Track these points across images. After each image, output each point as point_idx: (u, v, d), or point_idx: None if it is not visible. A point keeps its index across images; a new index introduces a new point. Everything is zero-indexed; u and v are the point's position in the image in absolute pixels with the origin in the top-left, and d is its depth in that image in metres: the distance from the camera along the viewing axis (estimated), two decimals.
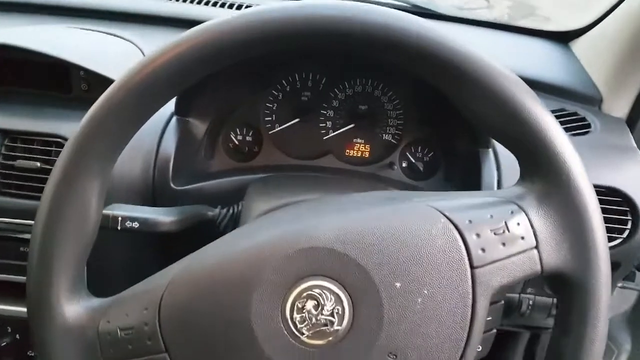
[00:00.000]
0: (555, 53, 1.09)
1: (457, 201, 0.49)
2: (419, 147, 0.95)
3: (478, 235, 0.45)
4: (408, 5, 1.24)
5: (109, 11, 1.04)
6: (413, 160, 0.94)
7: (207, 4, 1.11)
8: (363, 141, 0.96)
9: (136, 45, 0.97)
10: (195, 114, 0.85)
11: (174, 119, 0.81)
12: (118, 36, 0.97)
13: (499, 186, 0.80)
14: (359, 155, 0.97)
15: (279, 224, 0.50)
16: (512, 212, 0.47)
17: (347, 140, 0.96)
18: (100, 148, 0.48)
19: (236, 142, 0.95)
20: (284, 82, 0.94)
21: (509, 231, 0.46)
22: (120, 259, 0.83)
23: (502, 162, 0.82)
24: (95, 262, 0.70)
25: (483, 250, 0.45)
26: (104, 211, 0.63)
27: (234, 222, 0.71)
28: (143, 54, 0.95)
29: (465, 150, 0.87)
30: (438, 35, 0.45)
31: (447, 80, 0.48)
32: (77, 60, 0.85)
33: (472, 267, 0.45)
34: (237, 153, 0.96)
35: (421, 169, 0.93)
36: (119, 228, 0.62)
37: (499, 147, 0.84)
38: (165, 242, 0.80)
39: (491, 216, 0.46)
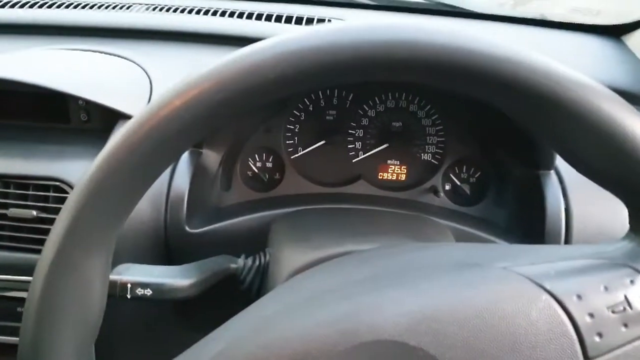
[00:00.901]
0: (610, 50, 0.98)
1: (554, 265, 0.39)
2: (464, 167, 0.85)
3: (591, 315, 0.35)
4: (432, 4, 1.14)
5: (106, 28, 0.95)
6: (458, 183, 0.84)
7: (216, 14, 1.00)
8: (398, 162, 0.87)
9: (139, 66, 0.88)
10: (209, 143, 0.76)
11: (186, 152, 0.72)
12: (118, 56, 0.88)
13: (568, 216, 0.70)
14: (395, 178, 0.87)
15: (325, 301, 0.41)
16: (632, 282, 0.37)
17: (380, 162, 0.87)
18: (103, 216, 0.39)
19: (255, 170, 0.87)
20: (306, 100, 0.85)
21: (631, 308, 0.36)
22: (129, 328, 0.74)
23: (568, 186, 0.72)
24: (100, 332, 0.62)
25: (600, 335, 0.35)
26: (111, 276, 0.54)
27: (261, 276, 0.62)
28: (148, 75, 0.86)
29: (521, 172, 0.77)
30: (528, 59, 0.35)
31: (538, 113, 0.38)
32: (74, 89, 0.76)
33: (586, 358, 0.35)
34: (257, 182, 0.87)
35: (468, 192, 0.84)
36: (128, 297, 0.53)
37: (563, 166, 0.73)
38: (183, 306, 0.71)
39: (605, 288, 0.36)
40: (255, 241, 0.72)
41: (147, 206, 0.72)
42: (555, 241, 0.71)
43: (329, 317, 0.38)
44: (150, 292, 0.54)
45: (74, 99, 0.79)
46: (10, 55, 0.82)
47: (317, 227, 0.66)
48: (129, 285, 0.54)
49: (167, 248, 0.74)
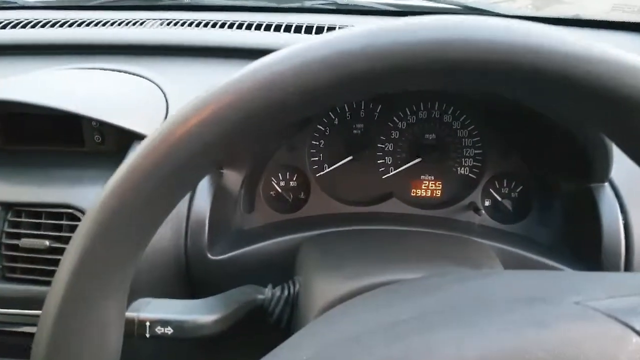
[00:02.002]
0: None
1: (638, 300, 0.34)
2: (505, 182, 0.80)
3: None
4: (456, 7, 1.10)
5: (119, 45, 0.93)
6: (499, 198, 0.79)
7: (232, 26, 0.98)
8: (433, 178, 0.82)
9: (154, 83, 0.86)
10: (230, 163, 0.73)
11: None
12: (133, 73, 0.86)
13: (628, 233, 0.65)
14: (429, 195, 0.83)
15: (368, 343, 0.36)
16: None
17: (413, 178, 0.83)
18: (117, 248, 0.35)
19: (279, 190, 0.83)
20: (330, 114, 0.82)
21: None
22: None
23: (626, 200, 0.66)
24: None
25: None
26: (127, 313, 0.51)
27: (291, 307, 0.58)
28: (164, 93, 0.84)
29: (569, 185, 0.72)
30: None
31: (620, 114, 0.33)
32: (86, 110, 0.74)
33: None
34: (281, 202, 0.83)
35: (510, 208, 0.79)
36: (147, 336, 0.50)
37: (619, 178, 0.68)
38: (208, 343, 0.68)
39: None
40: (282, 267, 0.68)
41: (165, 232, 0.69)
42: (615, 261, 0.65)
43: None
44: (172, 330, 0.50)
45: (87, 120, 0.77)
46: (18, 78, 0.81)
47: (350, 252, 0.61)
48: (147, 323, 0.50)
49: (188, 277, 0.70)
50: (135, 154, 0.34)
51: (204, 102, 0.32)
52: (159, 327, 0.50)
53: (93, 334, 0.35)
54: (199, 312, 0.53)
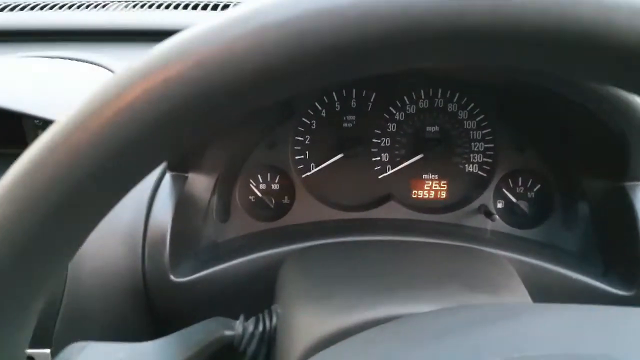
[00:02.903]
0: None
1: None
2: (520, 180, 0.70)
3: None
4: None
5: (66, 30, 0.81)
6: (514, 200, 0.69)
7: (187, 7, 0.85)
8: (437, 177, 0.72)
9: (107, 69, 0.74)
10: (198, 165, 0.62)
11: (167, 176, 0.58)
12: (81, 60, 0.74)
13: None
14: (433, 197, 0.72)
15: None
16: None
17: (414, 177, 0.73)
18: (12, 279, 0.25)
19: (258, 194, 0.73)
20: (317, 104, 0.71)
21: None
22: None
23: None
24: None
25: None
26: None
27: (267, 347, 0.47)
28: None
29: (598, 183, 0.61)
30: None
31: None
32: (26, 106, 0.62)
33: None
34: (261, 209, 0.73)
35: (526, 210, 0.68)
36: None
37: None
38: None
39: None
40: (261, 290, 0.58)
41: (118, 250, 0.58)
42: None
43: None
44: None
45: (28, 117, 0.65)
46: None
47: (340, 275, 0.51)
48: None
49: (148, 305, 0.60)
50: (41, 143, 0.23)
51: (148, 69, 0.21)
52: None
53: None
54: None
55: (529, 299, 0.46)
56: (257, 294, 0.58)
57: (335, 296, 0.46)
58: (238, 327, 0.49)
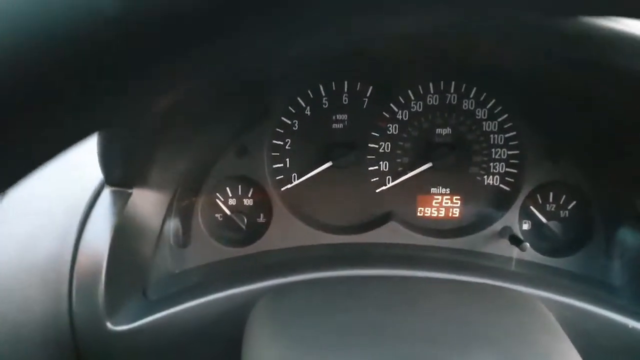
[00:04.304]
0: None
1: None
2: (551, 195, 0.58)
3: None
4: None
5: None
6: (544, 220, 0.57)
7: None
8: (448, 191, 0.61)
9: None
10: (146, 178, 0.51)
11: (105, 193, 0.47)
12: None
13: None
14: (443, 216, 0.61)
15: None
16: None
17: (420, 192, 0.62)
18: None
19: (227, 212, 0.60)
20: (299, 100, 0.58)
21: None
22: None
23: None
24: None
25: None
26: None
27: None
28: None
29: None
30: None
31: None
32: None
33: None
34: (230, 230, 0.61)
35: (558, 233, 0.56)
36: None
37: None
38: None
39: None
40: (224, 343, 0.45)
41: (35, 290, 0.46)
42: None
43: None
44: None
45: None
46: None
47: (327, 335, 0.37)
48: None
49: (77, 358, 0.46)
50: None
51: None
52: None
53: None
54: None
55: None
56: (219, 345, 0.45)
57: None
58: None
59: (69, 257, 0.47)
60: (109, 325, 0.47)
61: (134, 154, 0.47)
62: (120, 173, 0.48)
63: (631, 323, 0.47)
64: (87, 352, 0.47)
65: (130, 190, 0.50)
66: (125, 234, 0.49)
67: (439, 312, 0.41)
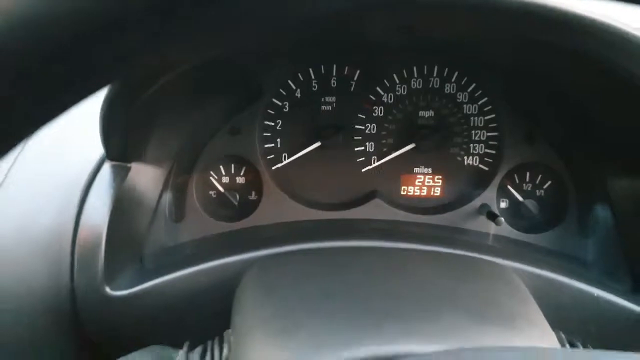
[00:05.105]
0: None
1: None
2: (528, 175, 0.60)
3: None
4: None
5: None
6: (520, 198, 0.60)
7: None
8: (430, 170, 0.63)
9: None
10: (144, 153, 0.53)
11: (105, 167, 0.51)
12: None
13: None
14: (425, 194, 0.63)
15: None
16: None
17: (403, 171, 0.64)
18: None
19: (220, 189, 0.62)
20: (290, 83, 0.61)
21: None
22: None
23: None
24: None
25: None
26: None
27: None
28: None
29: (625, 181, 0.52)
30: None
31: None
32: None
33: None
34: (223, 207, 0.64)
35: (534, 211, 0.59)
36: None
37: None
38: None
39: None
40: (216, 307, 0.48)
41: (38, 257, 0.48)
42: None
43: None
44: None
45: None
46: None
47: (310, 295, 0.40)
48: None
49: (76, 327, 0.49)
50: None
51: None
52: None
53: None
54: None
55: (550, 331, 0.36)
56: (210, 312, 0.48)
57: (303, 327, 0.35)
58: (179, 356, 0.39)
59: (70, 228, 0.50)
60: (108, 290, 0.49)
61: (133, 129, 0.49)
62: (119, 147, 0.50)
63: (596, 292, 0.50)
64: (87, 318, 0.50)
65: (129, 165, 0.53)
66: (123, 206, 0.51)
67: (414, 278, 0.44)
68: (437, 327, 0.34)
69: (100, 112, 0.44)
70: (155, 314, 0.50)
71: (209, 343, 0.41)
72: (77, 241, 0.49)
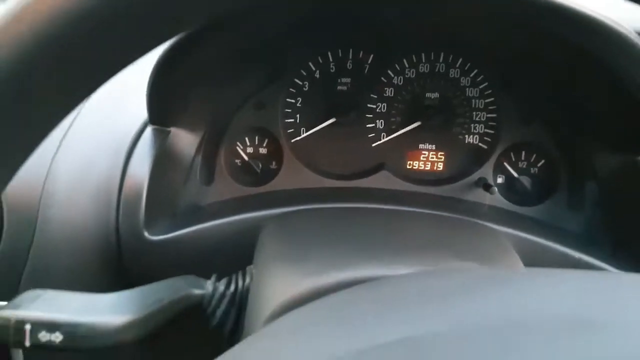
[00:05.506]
0: None
1: None
2: (523, 154, 0.66)
3: None
4: None
5: None
6: (515, 174, 0.65)
7: None
8: (434, 147, 0.68)
9: None
10: (181, 120, 0.60)
11: (148, 130, 0.58)
12: None
13: None
14: (429, 168, 0.69)
15: None
16: None
17: (410, 147, 0.70)
18: None
19: (245, 158, 0.69)
20: (310, 64, 0.68)
21: None
22: None
23: None
24: None
25: None
26: (3, 312, 0.37)
27: (238, 310, 0.44)
28: None
29: (609, 158, 0.58)
30: None
31: None
32: None
33: None
34: (247, 174, 0.70)
35: (528, 187, 0.65)
36: (27, 344, 0.36)
37: None
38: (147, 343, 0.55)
39: None
40: (240, 254, 0.55)
41: (91, 204, 0.56)
42: None
43: None
44: (61, 337, 0.37)
45: None
46: None
47: (322, 236, 0.47)
48: (27, 327, 0.36)
49: (120, 263, 0.57)
50: None
51: None
52: (43, 333, 0.36)
53: None
54: (105, 312, 0.39)
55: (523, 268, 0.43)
56: (235, 257, 0.55)
57: (311, 258, 0.42)
58: (208, 287, 0.46)
59: (117, 181, 0.57)
60: (146, 235, 0.56)
61: (174, 98, 0.57)
62: (161, 113, 0.58)
63: (578, 255, 0.56)
64: (129, 258, 0.57)
65: (168, 129, 0.61)
66: (162, 165, 0.59)
67: (411, 230, 0.51)
68: (420, 258, 0.41)
69: (148, 82, 0.52)
70: (186, 256, 0.57)
71: (234, 275, 0.48)
72: (123, 192, 0.57)
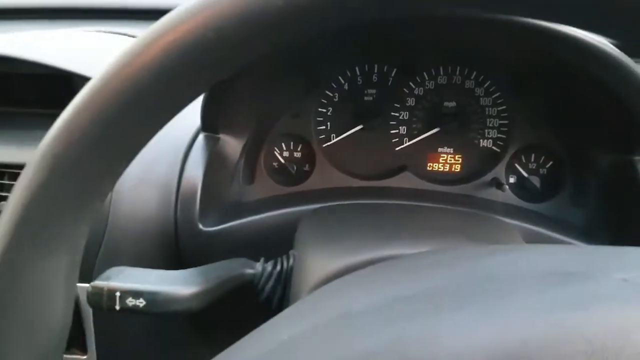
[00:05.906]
0: None
1: None
2: (533, 156, 0.72)
3: None
4: None
5: (117, 9, 0.88)
6: (525, 174, 0.72)
7: None
8: (452, 151, 0.75)
9: None
10: (228, 128, 0.68)
11: (201, 137, 0.65)
12: (131, 36, 0.81)
13: None
14: (447, 170, 0.75)
15: (360, 325, 0.30)
16: None
17: (429, 151, 0.76)
18: (64, 200, 0.30)
19: (281, 161, 0.77)
20: (340, 78, 0.75)
21: None
22: (137, 340, 0.66)
23: None
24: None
25: None
26: (97, 282, 0.46)
27: (283, 286, 0.52)
28: None
29: (608, 159, 0.64)
30: None
31: None
32: (80, 68, 0.69)
33: None
34: (283, 175, 0.77)
35: (537, 185, 0.71)
36: (117, 308, 0.45)
37: None
38: (198, 319, 0.63)
39: None
40: (280, 242, 0.63)
41: (153, 199, 0.64)
42: None
43: (363, 349, 0.28)
44: (144, 302, 0.45)
45: (81, 79, 0.72)
46: (8, 36, 0.77)
47: (353, 226, 0.55)
48: (117, 294, 0.45)
49: (177, 250, 0.65)
50: (83, 91, 0.28)
51: (167, 25, 0.26)
52: (130, 299, 0.45)
53: (33, 294, 0.30)
54: (176, 284, 0.47)
55: None
56: (277, 244, 0.62)
57: (345, 241, 0.50)
58: (258, 267, 0.54)
59: (175, 179, 0.66)
60: (200, 226, 0.64)
61: (225, 109, 0.65)
62: (212, 123, 0.67)
63: (577, 243, 0.62)
64: (184, 246, 0.65)
65: (218, 136, 0.69)
66: (212, 167, 0.67)
67: (432, 221, 0.58)
68: (439, 241, 0.48)
69: (204, 97, 0.61)
70: (234, 245, 0.65)
71: (279, 258, 0.56)
72: (180, 190, 0.65)
